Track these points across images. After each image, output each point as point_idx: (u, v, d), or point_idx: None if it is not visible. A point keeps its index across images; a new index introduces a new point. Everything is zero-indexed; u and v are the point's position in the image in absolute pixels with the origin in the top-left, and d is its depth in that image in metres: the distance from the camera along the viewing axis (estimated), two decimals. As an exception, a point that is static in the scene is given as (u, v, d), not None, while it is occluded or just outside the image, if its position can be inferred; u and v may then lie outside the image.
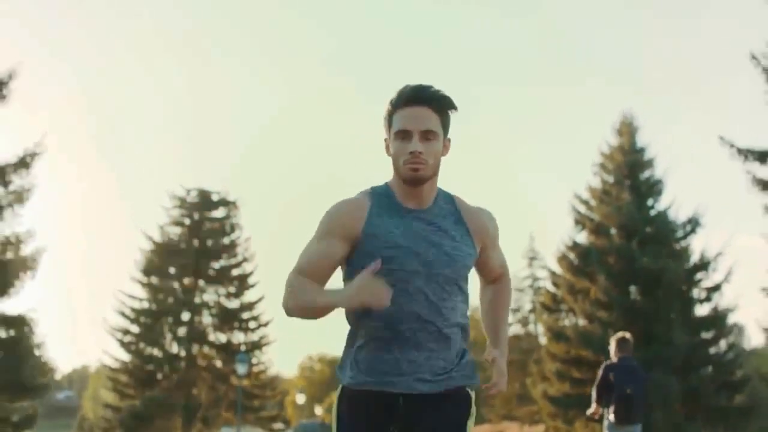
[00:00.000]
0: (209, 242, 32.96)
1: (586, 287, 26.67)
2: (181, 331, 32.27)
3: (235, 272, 33.17)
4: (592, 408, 8.20)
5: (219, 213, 33.67)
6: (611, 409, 8.06)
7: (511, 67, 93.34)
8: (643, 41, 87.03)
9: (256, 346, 32.87)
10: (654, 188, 27.13)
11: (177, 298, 32.27)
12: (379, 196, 2.64)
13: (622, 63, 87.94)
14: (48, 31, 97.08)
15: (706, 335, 26.29)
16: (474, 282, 2.82)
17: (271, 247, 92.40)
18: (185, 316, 32.38)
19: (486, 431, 38.93)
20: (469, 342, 2.73)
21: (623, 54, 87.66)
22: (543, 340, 33.97)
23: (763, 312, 20.96)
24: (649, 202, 27.11)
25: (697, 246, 28.78)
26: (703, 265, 26.27)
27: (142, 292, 32.27)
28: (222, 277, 32.84)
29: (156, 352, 32.01)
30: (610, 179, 27.77)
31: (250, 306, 33.06)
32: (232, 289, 33.01)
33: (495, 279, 2.89)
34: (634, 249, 25.68)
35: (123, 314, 31.80)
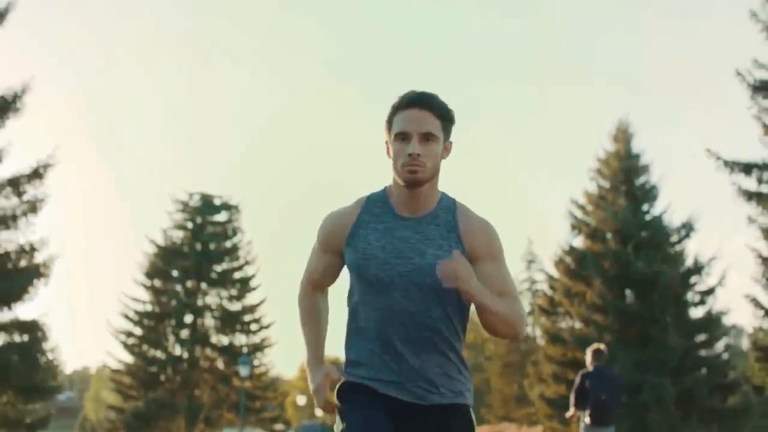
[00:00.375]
0: (211, 245, 33.97)
1: (583, 291, 27.63)
2: (184, 333, 33.29)
3: (237, 275, 34.22)
4: (571, 411, 9.43)
5: (221, 217, 34.75)
6: (587, 412, 9.28)
7: (511, 67, 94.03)
8: (643, 41, 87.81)
9: (258, 348, 33.88)
10: (649, 194, 28.02)
11: (180, 301, 33.25)
12: (374, 203, 2.68)
13: (622, 63, 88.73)
14: (48, 31, 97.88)
15: (701, 338, 27.09)
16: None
17: (273, 249, 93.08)
18: (188, 318, 33.42)
19: (484, 432, 39.80)
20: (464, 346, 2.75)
21: (623, 54, 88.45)
22: (541, 342, 34.85)
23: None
24: (645, 207, 27.99)
25: (692, 250, 29.86)
26: (697, 269, 27.07)
27: (145, 295, 33.32)
28: (224, 280, 33.86)
29: (159, 354, 33.04)
30: (606, 185, 28.69)
31: (251, 308, 34.08)
32: (234, 292, 34.04)
33: None
34: (630, 253, 26.50)
35: (126, 317, 32.82)
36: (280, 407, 40.25)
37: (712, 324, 26.97)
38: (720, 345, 27.73)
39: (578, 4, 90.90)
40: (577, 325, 28.54)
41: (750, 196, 18.91)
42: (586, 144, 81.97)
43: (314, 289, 2.82)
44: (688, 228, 27.60)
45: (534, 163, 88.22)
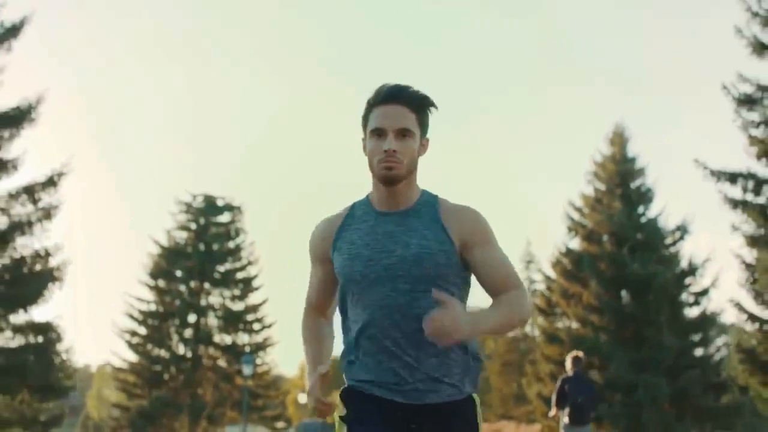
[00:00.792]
0: (215, 246, 34.89)
1: (579, 292, 28.67)
2: (188, 332, 34.16)
3: (239, 275, 35.11)
4: (553, 411, 10.77)
5: (224, 218, 35.68)
6: (566, 412, 10.61)
7: (510, 67, 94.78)
8: (643, 41, 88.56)
9: (261, 347, 34.71)
10: (644, 196, 29.05)
11: (183, 301, 34.14)
12: (357, 207, 2.69)
13: (622, 63, 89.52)
14: (48, 32, 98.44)
15: (695, 338, 27.99)
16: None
17: (274, 250, 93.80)
18: (191, 318, 34.31)
19: (483, 430, 40.74)
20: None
21: (623, 54, 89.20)
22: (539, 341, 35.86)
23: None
24: (640, 209, 28.98)
25: (686, 252, 30.68)
26: (692, 270, 28.10)
27: (149, 295, 34.19)
28: (227, 280, 34.76)
29: (163, 353, 33.85)
30: (602, 187, 29.76)
31: (254, 308, 34.94)
32: (236, 292, 34.93)
33: (499, 292, 2.62)
34: (625, 255, 27.42)
35: (131, 316, 33.65)
36: (281, 405, 40.90)
37: (707, 324, 27.80)
38: (714, 345, 28.55)
39: (578, 4, 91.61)
40: (574, 325, 29.47)
41: (735, 204, 20.00)
42: (586, 144, 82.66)
43: (315, 312, 2.84)
44: (682, 230, 28.57)
45: (533, 164, 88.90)
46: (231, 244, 35.36)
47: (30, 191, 21.14)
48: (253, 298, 35.36)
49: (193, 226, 35.35)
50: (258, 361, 34.36)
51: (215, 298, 34.85)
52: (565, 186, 75.57)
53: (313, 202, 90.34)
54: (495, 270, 2.61)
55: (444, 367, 2.58)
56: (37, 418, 21.48)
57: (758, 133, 19.61)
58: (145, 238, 48.85)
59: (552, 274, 31.04)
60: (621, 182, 29.21)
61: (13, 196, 21.21)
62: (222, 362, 34.56)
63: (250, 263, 35.48)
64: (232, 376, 34.07)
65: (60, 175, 21.36)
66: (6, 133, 20.88)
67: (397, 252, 2.56)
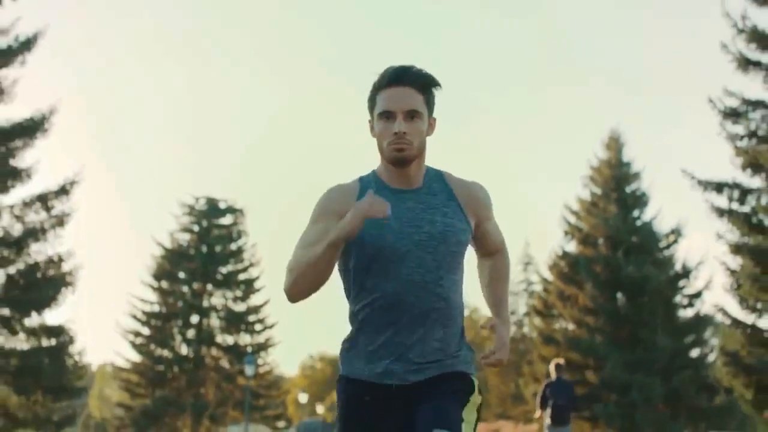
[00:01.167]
0: (217, 248, 35.66)
1: (575, 294, 29.63)
2: (190, 333, 34.96)
3: (241, 277, 35.91)
4: (537, 413, 12.21)
5: (226, 220, 36.47)
6: (548, 413, 12.00)
7: (510, 67, 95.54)
8: (643, 41, 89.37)
9: (262, 347, 35.47)
10: (639, 200, 30.12)
11: (186, 302, 34.90)
12: (367, 183, 2.72)
13: (622, 63, 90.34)
14: (48, 32, 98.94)
15: (688, 339, 29.02)
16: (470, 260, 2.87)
17: (276, 251, 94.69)
18: (194, 318, 35.10)
19: (482, 430, 41.75)
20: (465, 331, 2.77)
21: (623, 54, 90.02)
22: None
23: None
24: (635, 213, 30.07)
25: (680, 255, 31.32)
26: (686, 272, 29.16)
27: (152, 296, 34.97)
28: (229, 282, 35.55)
29: (166, 353, 34.60)
30: (598, 191, 30.76)
31: (256, 309, 35.73)
32: (238, 293, 35.74)
33: (492, 253, 2.89)
34: (620, 258, 28.51)
35: (134, 317, 34.41)
36: (282, 405, 41.82)
37: (700, 326, 28.83)
38: (707, 346, 29.58)
39: (578, 4, 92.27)
40: (570, 326, 30.49)
41: (721, 212, 21.18)
42: (586, 145, 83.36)
43: None
44: (676, 234, 29.64)
45: (533, 164, 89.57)
46: (233, 246, 36.07)
47: (43, 199, 22.25)
48: (254, 300, 36.09)
49: (196, 228, 36.05)
50: (260, 361, 35.06)
51: (217, 299, 35.57)
52: (565, 186, 76.42)
53: (313, 202, 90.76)
54: (495, 237, 2.86)
55: (443, 349, 2.67)
56: (51, 418, 22.54)
57: (743, 144, 20.80)
58: (147, 239, 49.74)
59: (549, 276, 32.02)
60: (616, 186, 30.18)
61: (27, 204, 22.27)
62: (224, 362, 35.19)
63: (251, 265, 36.20)
64: (234, 376, 34.72)
65: (72, 183, 22.50)
66: (20, 143, 22.12)
67: (425, 228, 2.63)
